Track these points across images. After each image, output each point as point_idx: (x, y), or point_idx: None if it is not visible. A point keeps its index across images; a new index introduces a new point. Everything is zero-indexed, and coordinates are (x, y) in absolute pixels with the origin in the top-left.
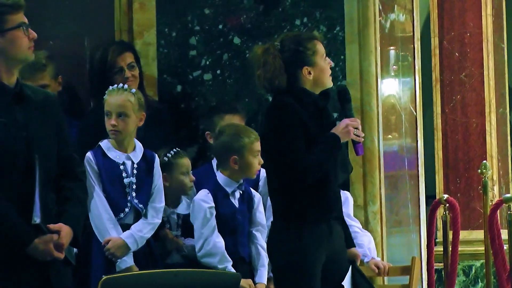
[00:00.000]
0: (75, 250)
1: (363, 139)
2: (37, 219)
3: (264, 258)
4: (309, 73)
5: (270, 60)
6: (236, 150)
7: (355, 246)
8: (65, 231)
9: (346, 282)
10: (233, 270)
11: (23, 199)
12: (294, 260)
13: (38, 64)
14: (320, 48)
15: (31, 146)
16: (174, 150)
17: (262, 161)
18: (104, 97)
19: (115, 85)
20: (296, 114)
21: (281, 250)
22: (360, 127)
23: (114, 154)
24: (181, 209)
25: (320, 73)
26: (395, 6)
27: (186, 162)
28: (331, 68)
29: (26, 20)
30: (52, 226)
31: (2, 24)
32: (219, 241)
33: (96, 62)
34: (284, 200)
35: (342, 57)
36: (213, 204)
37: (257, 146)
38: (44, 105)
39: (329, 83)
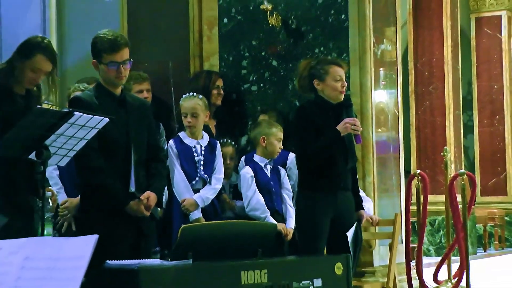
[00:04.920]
0: (159, 209)
1: (359, 132)
2: (132, 189)
3: (291, 212)
4: (318, 84)
5: (301, 70)
6: (266, 134)
7: (363, 209)
8: (152, 197)
9: (350, 232)
10: (272, 219)
11: (123, 175)
12: (307, 216)
13: (144, 76)
14: (334, 71)
15: (129, 137)
16: (223, 140)
17: (282, 146)
18: (180, 102)
19: (187, 94)
20: (307, 114)
21: (300, 209)
22: (358, 124)
23: (188, 141)
24: (232, 180)
25: (326, 87)
26: (384, 39)
27: (226, 150)
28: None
29: (123, 58)
30: (143, 195)
31: (99, 58)
32: (260, 198)
33: (203, 80)
34: (303, 175)
35: (347, 75)
36: (252, 174)
37: (279, 134)
38: (140, 108)
39: (336, 98)
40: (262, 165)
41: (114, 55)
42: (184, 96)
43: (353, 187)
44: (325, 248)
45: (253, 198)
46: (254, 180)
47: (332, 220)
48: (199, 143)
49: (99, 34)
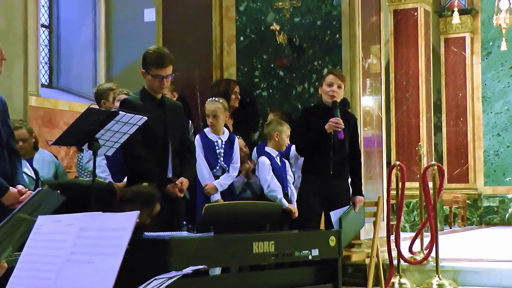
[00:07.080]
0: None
1: (339, 130)
2: (170, 174)
3: (294, 193)
4: (320, 91)
5: None
6: (279, 131)
7: (358, 195)
8: (185, 182)
9: (340, 212)
10: (284, 200)
11: (162, 163)
12: (300, 193)
13: None
14: (328, 78)
15: (166, 132)
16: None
17: (288, 142)
18: (205, 105)
19: (211, 98)
20: (305, 114)
21: (298, 188)
22: (340, 122)
23: (211, 136)
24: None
25: (323, 92)
26: (371, 54)
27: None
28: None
29: (167, 73)
30: (178, 180)
31: (147, 69)
32: (277, 182)
33: (223, 86)
34: (303, 162)
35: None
36: (269, 162)
37: (288, 132)
38: (175, 109)
39: (327, 100)
40: (274, 155)
41: (160, 70)
42: (208, 100)
43: (351, 176)
44: (324, 224)
45: (272, 182)
46: (271, 167)
47: (326, 203)
48: (220, 138)
49: (150, 50)
